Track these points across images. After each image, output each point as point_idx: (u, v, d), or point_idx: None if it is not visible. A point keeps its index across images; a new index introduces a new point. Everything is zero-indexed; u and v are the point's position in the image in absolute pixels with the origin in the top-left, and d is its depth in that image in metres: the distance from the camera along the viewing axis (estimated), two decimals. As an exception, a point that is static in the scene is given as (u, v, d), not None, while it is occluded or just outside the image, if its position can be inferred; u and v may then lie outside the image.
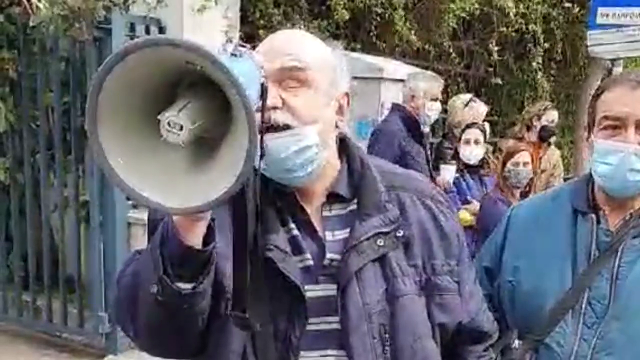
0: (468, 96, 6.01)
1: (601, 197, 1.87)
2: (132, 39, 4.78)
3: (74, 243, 5.18)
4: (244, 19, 5.77)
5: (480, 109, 5.85)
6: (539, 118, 5.72)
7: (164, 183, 1.16)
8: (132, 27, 4.90)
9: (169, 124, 1.09)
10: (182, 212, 1.18)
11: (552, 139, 6.03)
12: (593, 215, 1.86)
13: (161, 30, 5.08)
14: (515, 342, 1.89)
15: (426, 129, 5.19)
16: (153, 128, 1.11)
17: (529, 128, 5.73)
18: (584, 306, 1.80)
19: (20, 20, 4.97)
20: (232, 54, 1.20)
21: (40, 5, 4.46)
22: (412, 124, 4.95)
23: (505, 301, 1.95)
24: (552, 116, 5.74)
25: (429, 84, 5.11)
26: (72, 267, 5.21)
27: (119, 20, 4.73)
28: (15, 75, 5.22)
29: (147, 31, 4.98)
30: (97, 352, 5.11)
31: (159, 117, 1.10)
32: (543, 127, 5.65)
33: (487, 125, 5.78)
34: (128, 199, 1.17)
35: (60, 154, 5.08)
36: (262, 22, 6.07)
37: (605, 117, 1.80)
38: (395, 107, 5.14)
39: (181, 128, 1.09)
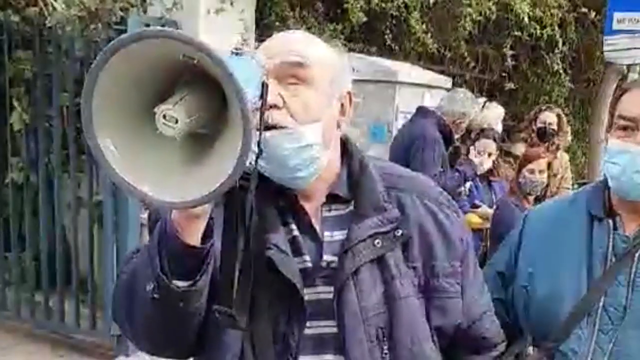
0: (482, 100, 6.01)
1: (617, 202, 1.85)
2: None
3: (87, 244, 5.19)
4: (259, 22, 5.77)
5: (497, 110, 5.87)
6: (535, 120, 5.74)
7: (160, 177, 1.15)
8: (148, 29, 4.89)
9: (164, 116, 1.08)
10: (179, 205, 1.17)
11: (568, 142, 6.02)
12: (609, 221, 1.83)
13: (177, 32, 5.07)
14: (529, 349, 1.86)
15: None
16: (149, 122, 1.11)
17: (533, 130, 5.75)
18: (599, 312, 1.77)
19: (36, 21, 5.00)
20: (232, 52, 1.19)
21: (57, 6, 4.47)
22: (446, 133, 4.94)
23: (519, 307, 1.92)
24: (547, 117, 5.73)
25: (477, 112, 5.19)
26: (85, 268, 5.22)
27: (134, 22, 4.72)
28: (30, 76, 5.24)
29: (163, 33, 4.97)
30: (108, 353, 5.11)
31: (154, 109, 1.09)
32: (539, 129, 5.66)
33: (499, 127, 5.81)
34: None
35: (75, 154, 5.09)
36: (277, 24, 6.06)
37: (621, 117, 1.78)
38: (429, 113, 5.03)
39: (176, 121, 1.08)
